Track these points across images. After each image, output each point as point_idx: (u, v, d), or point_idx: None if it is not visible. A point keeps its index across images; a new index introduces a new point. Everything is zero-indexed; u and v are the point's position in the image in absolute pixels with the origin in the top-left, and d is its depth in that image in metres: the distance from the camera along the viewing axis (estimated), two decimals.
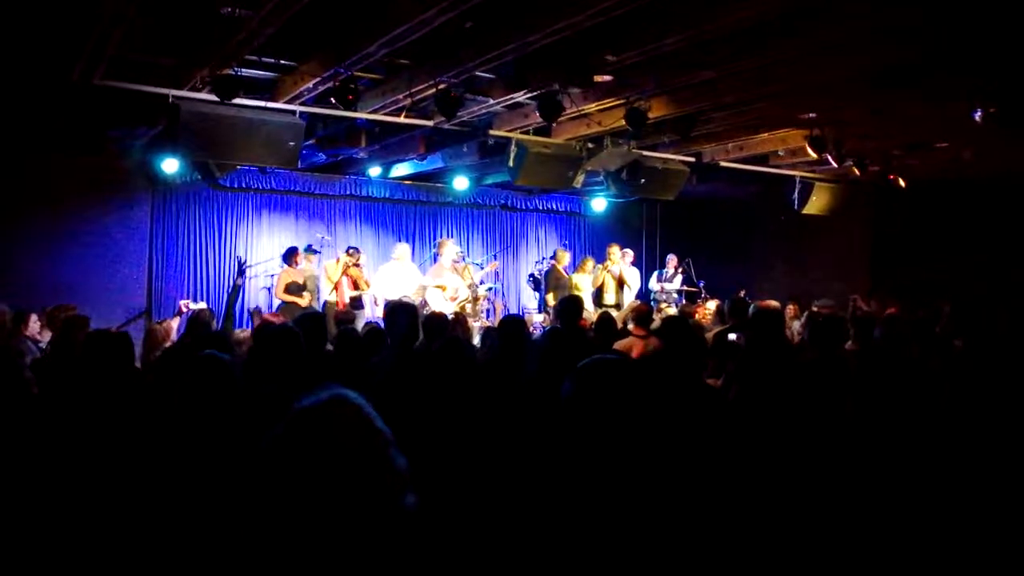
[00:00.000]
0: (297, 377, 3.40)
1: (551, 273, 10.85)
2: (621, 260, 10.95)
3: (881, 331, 4.83)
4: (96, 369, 3.50)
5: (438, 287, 9.84)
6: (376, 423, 1.51)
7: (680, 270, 11.75)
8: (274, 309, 9.32)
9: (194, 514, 2.26)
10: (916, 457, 3.07)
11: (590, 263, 11.05)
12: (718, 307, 7.89)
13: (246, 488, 1.54)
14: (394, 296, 8.62)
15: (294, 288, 9.14)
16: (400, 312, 4.55)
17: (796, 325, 8.04)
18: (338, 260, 9.54)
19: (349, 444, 1.46)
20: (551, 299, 10.54)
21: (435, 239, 12.21)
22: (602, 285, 10.75)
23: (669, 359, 3.46)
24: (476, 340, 9.20)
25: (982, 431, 3.25)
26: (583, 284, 10.66)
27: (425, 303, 9.62)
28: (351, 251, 9.66)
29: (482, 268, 11.19)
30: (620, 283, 10.81)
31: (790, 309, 8.15)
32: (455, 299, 9.84)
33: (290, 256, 9.43)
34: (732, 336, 5.36)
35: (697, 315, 8.39)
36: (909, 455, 3.08)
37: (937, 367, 4.20)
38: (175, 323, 7.34)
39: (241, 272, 7.17)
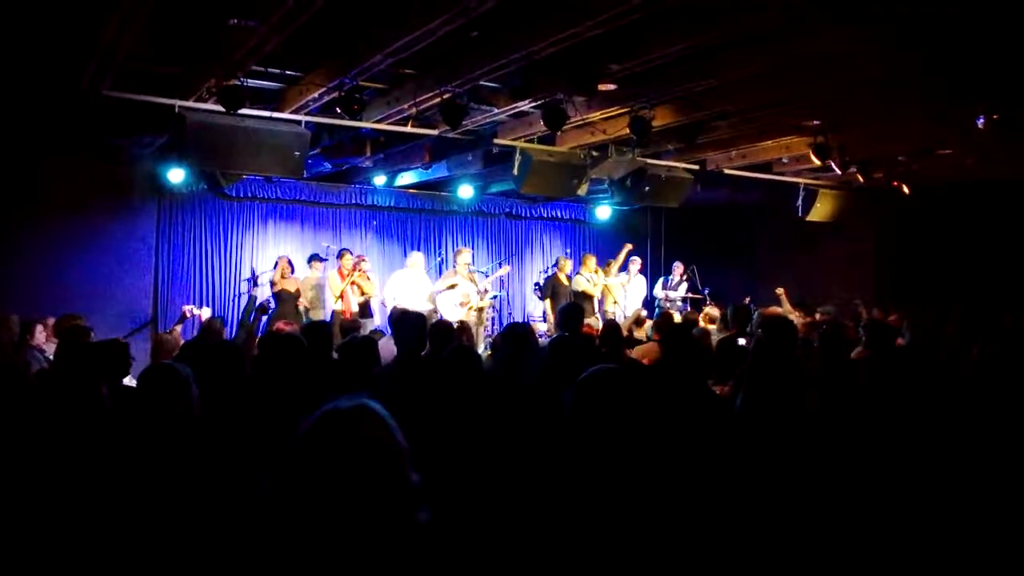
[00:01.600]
0: (301, 386, 3.41)
1: (551, 280, 10.82)
2: (606, 271, 10.92)
3: (909, 338, 4.82)
4: (93, 382, 3.50)
5: (449, 287, 9.85)
6: (397, 436, 1.52)
7: (685, 278, 11.75)
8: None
9: (169, 525, 2.26)
10: (939, 463, 3.07)
11: (592, 260, 10.96)
12: (721, 313, 7.89)
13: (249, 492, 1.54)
14: (406, 304, 8.61)
15: (285, 296, 9.16)
16: (406, 321, 4.55)
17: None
18: (340, 269, 9.53)
19: (369, 453, 1.46)
20: (547, 306, 10.51)
21: (440, 247, 12.25)
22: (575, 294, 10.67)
23: (671, 367, 3.47)
24: (481, 348, 9.21)
25: (994, 436, 3.25)
26: (583, 283, 10.57)
27: (436, 311, 9.62)
28: (345, 253, 9.63)
29: (487, 276, 11.18)
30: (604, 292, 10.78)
31: (795, 316, 8.12)
32: (465, 304, 9.84)
33: (276, 266, 9.43)
34: (741, 341, 5.36)
35: (700, 322, 8.38)
36: (932, 461, 3.08)
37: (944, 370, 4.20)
38: (179, 328, 7.37)
39: (255, 284, 7.17)
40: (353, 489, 1.43)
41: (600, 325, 8.51)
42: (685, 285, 11.72)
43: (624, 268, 11.39)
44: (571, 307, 5.69)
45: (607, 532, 1.96)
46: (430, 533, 1.51)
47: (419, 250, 11.25)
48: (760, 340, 3.91)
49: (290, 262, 9.48)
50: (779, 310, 6.72)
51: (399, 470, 1.48)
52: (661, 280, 12.04)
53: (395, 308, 7.47)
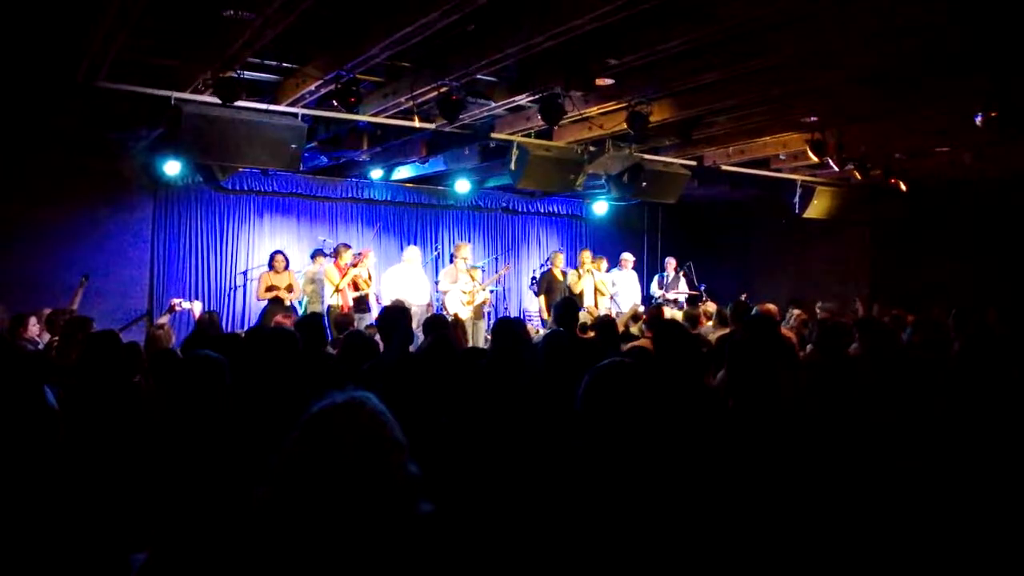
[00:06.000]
0: (293, 379, 3.39)
1: (546, 276, 10.79)
2: (595, 267, 10.89)
3: (912, 335, 4.80)
4: (96, 370, 3.48)
5: (467, 292, 9.81)
6: (392, 429, 1.50)
7: (682, 273, 11.71)
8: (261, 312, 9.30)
9: (194, 515, 2.26)
10: (935, 460, 3.07)
11: (586, 255, 10.94)
12: (717, 310, 7.87)
13: (251, 487, 1.53)
14: (402, 299, 8.59)
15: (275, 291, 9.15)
16: (394, 316, 4.54)
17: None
18: (336, 264, 9.49)
19: (365, 447, 1.45)
20: (543, 302, 10.49)
21: (437, 242, 12.23)
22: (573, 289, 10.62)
23: (664, 363, 3.45)
24: (481, 343, 9.20)
25: (982, 432, 3.25)
26: (581, 281, 10.57)
27: (432, 305, 9.58)
28: (342, 248, 9.58)
29: (484, 271, 11.16)
30: (595, 289, 10.72)
31: (795, 314, 8.00)
32: (472, 303, 9.82)
33: (271, 260, 9.41)
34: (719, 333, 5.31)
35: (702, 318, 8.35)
36: (930, 458, 3.08)
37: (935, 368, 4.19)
38: (167, 320, 7.37)
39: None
40: (351, 482, 1.42)
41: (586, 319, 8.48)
42: (682, 280, 11.70)
43: (616, 264, 11.38)
44: (565, 303, 5.67)
45: (607, 524, 1.96)
46: (432, 524, 1.50)
47: (415, 244, 11.23)
48: (740, 334, 3.90)
49: (285, 257, 9.43)
50: (773, 307, 6.70)
51: (396, 462, 1.47)
52: (656, 278, 12.03)
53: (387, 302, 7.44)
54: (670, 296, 11.53)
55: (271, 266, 9.32)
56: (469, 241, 11.85)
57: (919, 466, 3.05)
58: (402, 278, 9.78)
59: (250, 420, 2.86)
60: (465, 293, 9.81)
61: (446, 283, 9.98)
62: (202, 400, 2.72)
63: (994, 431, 3.19)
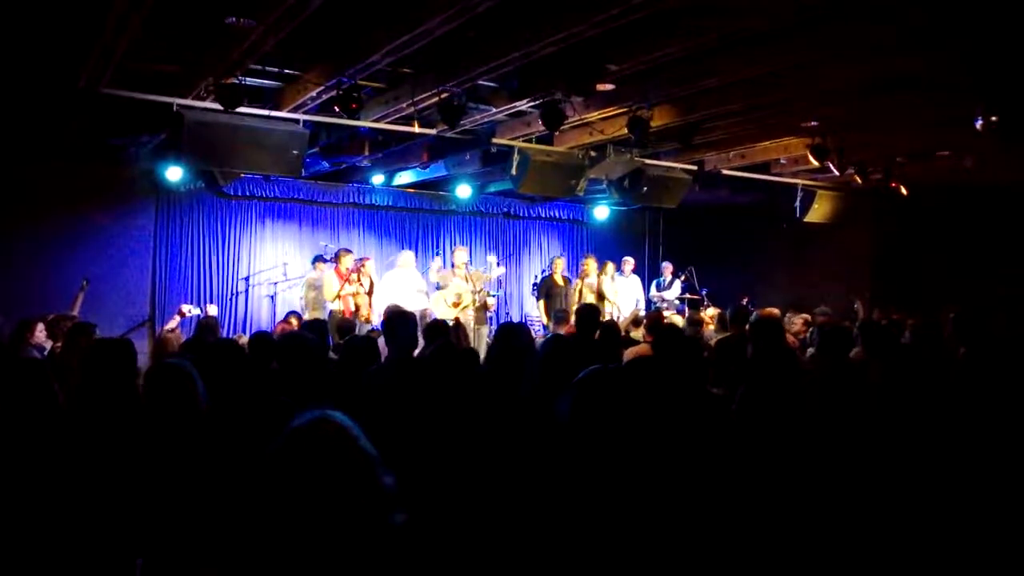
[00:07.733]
0: (309, 386, 3.41)
1: (546, 281, 10.77)
2: (602, 273, 10.86)
3: (913, 338, 4.80)
4: (98, 377, 3.49)
5: (451, 294, 9.76)
6: (360, 443, 1.52)
7: (683, 278, 11.73)
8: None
9: (191, 521, 2.27)
10: (934, 462, 3.07)
11: (591, 263, 10.92)
12: (719, 314, 7.86)
13: (228, 500, 1.56)
14: (398, 303, 8.54)
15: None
16: (398, 320, 4.54)
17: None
18: (337, 269, 9.46)
19: (332, 464, 1.47)
20: (542, 307, 10.45)
21: (438, 247, 12.24)
22: (580, 296, 10.59)
23: (663, 368, 3.45)
24: (483, 348, 9.19)
25: (986, 435, 3.25)
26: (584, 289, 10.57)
27: (427, 311, 9.57)
28: (344, 253, 9.50)
29: (487, 273, 11.15)
30: (600, 296, 10.66)
31: (800, 320, 7.94)
32: (458, 304, 9.80)
33: (285, 319, 9.12)
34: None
35: (706, 323, 8.36)
36: (926, 459, 3.08)
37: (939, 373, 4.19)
38: (172, 324, 7.39)
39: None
40: (322, 500, 1.43)
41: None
42: (678, 284, 11.70)
43: (619, 270, 11.37)
44: (586, 308, 5.66)
45: (602, 533, 1.96)
46: (409, 535, 1.51)
47: (417, 249, 11.25)
48: (753, 342, 3.90)
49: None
50: (775, 311, 6.69)
51: (366, 476, 1.49)
52: (655, 282, 12.05)
53: (388, 307, 7.39)
54: (668, 297, 11.55)
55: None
56: (471, 246, 11.84)
57: (926, 471, 3.05)
58: (396, 283, 9.77)
59: (253, 424, 2.87)
60: (446, 290, 9.79)
61: (432, 275, 10.00)
62: (174, 408, 2.73)
63: (1004, 436, 3.19)
